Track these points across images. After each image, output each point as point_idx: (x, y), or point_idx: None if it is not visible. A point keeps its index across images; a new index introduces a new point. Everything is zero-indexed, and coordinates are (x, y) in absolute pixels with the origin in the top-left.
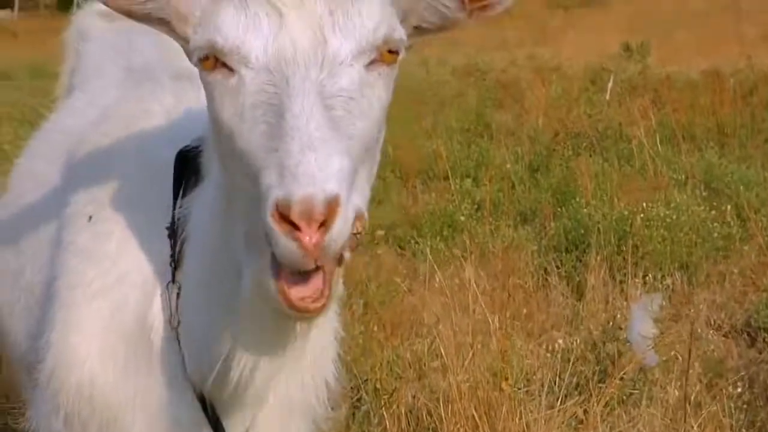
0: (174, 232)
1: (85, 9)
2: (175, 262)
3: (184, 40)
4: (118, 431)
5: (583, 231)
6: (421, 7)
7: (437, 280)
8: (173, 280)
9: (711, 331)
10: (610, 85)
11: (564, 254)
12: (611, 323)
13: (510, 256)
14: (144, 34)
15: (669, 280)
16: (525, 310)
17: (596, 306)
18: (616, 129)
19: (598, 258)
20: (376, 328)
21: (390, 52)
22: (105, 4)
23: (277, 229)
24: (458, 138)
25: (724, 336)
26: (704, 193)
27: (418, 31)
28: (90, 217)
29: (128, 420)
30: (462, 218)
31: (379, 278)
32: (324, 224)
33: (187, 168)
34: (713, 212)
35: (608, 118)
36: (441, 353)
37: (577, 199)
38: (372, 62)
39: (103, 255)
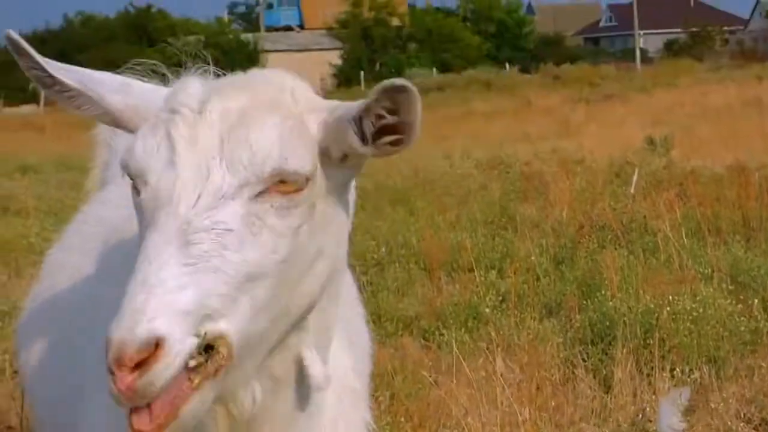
0: None
1: None
2: None
3: None
4: None
5: (608, 324)
6: (337, 137)
7: (463, 372)
8: None
9: (741, 424)
10: (635, 178)
11: (590, 347)
12: (640, 416)
13: (536, 349)
14: None
15: (697, 374)
16: (553, 403)
17: (624, 399)
18: (641, 222)
19: (625, 351)
20: (403, 419)
21: (285, 182)
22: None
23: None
24: (482, 230)
25: (754, 429)
26: (730, 287)
27: (344, 159)
28: None
29: None
30: (487, 310)
31: (405, 370)
32: (142, 366)
33: None
34: (740, 306)
35: (633, 211)
36: None
37: (603, 292)
38: (260, 194)
39: None
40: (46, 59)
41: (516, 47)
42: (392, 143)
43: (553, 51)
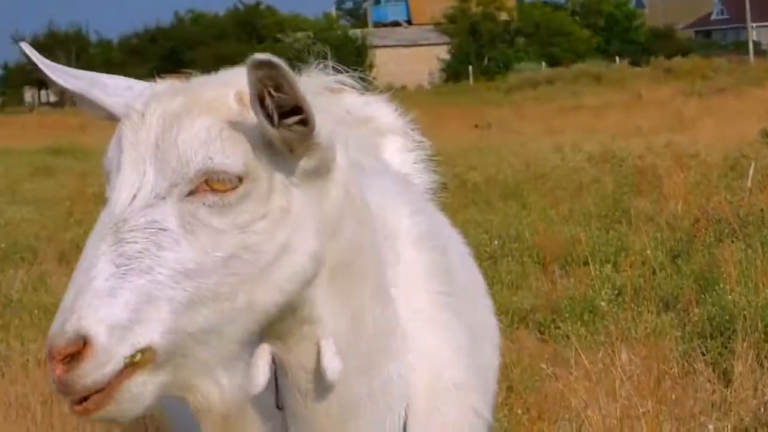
0: None
1: None
2: None
3: None
4: None
5: (728, 317)
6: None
7: (581, 364)
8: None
9: None
10: (751, 171)
11: (709, 341)
12: (762, 409)
13: (653, 342)
14: None
15: None
16: (673, 396)
17: (745, 392)
18: (758, 215)
19: (745, 344)
20: (520, 412)
21: (217, 181)
22: None
23: None
24: (596, 224)
25: None
26: None
27: (292, 147)
28: None
29: None
30: (603, 304)
31: (521, 363)
32: (71, 361)
33: None
34: None
35: (750, 205)
36: None
37: (721, 286)
38: (191, 193)
39: None
40: (50, 63)
41: (626, 40)
42: (301, 122)
43: (664, 44)
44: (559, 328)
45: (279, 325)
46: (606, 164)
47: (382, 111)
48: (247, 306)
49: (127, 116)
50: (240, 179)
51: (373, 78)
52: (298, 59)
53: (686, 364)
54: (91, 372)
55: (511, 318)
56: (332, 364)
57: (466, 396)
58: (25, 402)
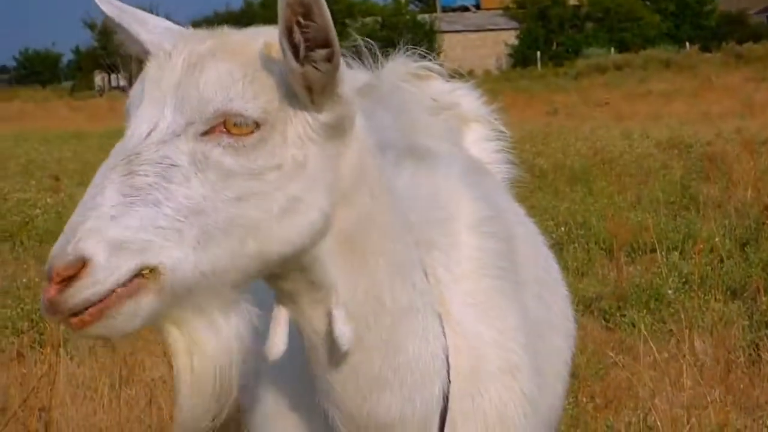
0: None
1: None
2: None
3: None
4: None
5: None
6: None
7: (647, 353)
8: None
9: None
10: None
11: None
12: None
13: (720, 331)
14: (383, 110)
15: None
16: (741, 385)
17: None
18: None
19: None
20: (585, 400)
21: (233, 124)
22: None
23: None
24: (664, 210)
25: None
26: None
27: (308, 90)
28: None
29: None
30: (670, 291)
31: (586, 351)
32: (67, 282)
33: None
34: None
35: None
36: (658, 426)
37: None
38: (207, 132)
39: None
40: None
41: (696, 25)
42: (327, 59)
43: (736, 29)
44: (624, 315)
45: (291, 284)
46: (674, 150)
47: (466, 98)
48: (255, 252)
49: (154, 55)
50: (257, 125)
51: (441, 63)
52: (366, 44)
53: (753, 354)
54: (84, 290)
55: (576, 305)
56: (343, 332)
57: (514, 380)
58: (93, 384)
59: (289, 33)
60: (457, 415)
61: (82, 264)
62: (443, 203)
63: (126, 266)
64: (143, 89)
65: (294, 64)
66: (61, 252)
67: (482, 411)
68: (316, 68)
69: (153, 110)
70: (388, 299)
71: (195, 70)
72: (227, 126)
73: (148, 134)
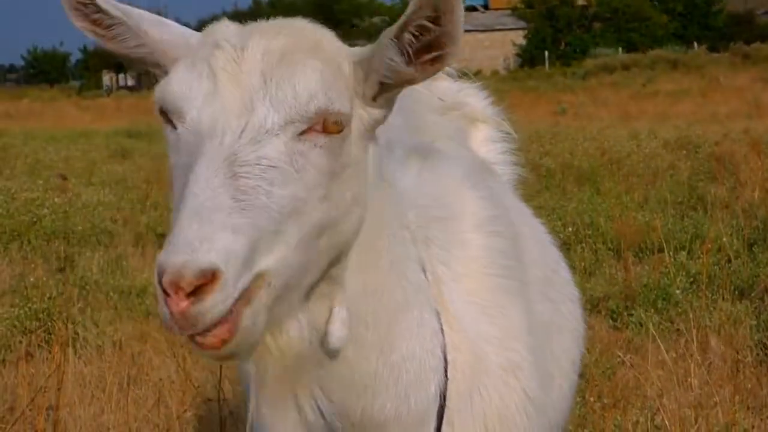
0: None
1: None
2: None
3: None
4: None
5: None
6: (377, 63)
7: (654, 352)
8: None
9: None
10: None
11: None
12: None
13: (727, 331)
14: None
15: None
16: (749, 385)
17: None
18: None
19: None
20: (593, 399)
21: (334, 123)
22: (103, 47)
23: (156, 291)
24: (671, 210)
25: None
26: None
27: (383, 87)
28: None
29: None
30: (677, 291)
31: (594, 350)
32: (196, 294)
33: None
34: None
35: None
36: (665, 426)
37: None
38: (305, 132)
39: None
40: None
41: (704, 26)
42: (433, 61)
43: (743, 29)
44: (632, 315)
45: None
46: (682, 150)
47: (474, 98)
48: (331, 249)
49: (218, 48)
50: (347, 122)
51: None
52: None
53: (761, 353)
54: (219, 304)
55: (584, 305)
56: (337, 331)
57: (516, 379)
58: (101, 384)
59: (401, 39)
60: (456, 414)
61: (212, 276)
62: (448, 202)
63: (247, 276)
64: (216, 83)
65: (405, 67)
66: (189, 261)
67: (482, 410)
68: (419, 68)
69: (239, 106)
70: (385, 294)
71: (283, 67)
72: (325, 125)
73: (241, 132)
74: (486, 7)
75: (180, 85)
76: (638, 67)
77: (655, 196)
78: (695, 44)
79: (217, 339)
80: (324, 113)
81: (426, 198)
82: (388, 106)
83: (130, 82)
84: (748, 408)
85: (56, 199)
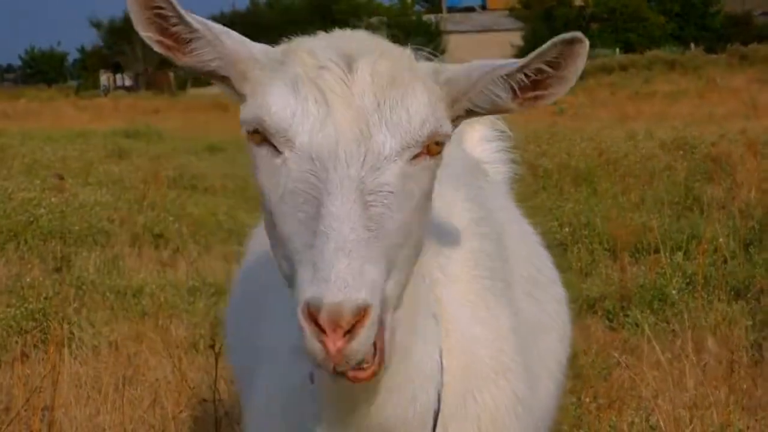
0: None
1: None
2: None
3: (242, 98)
4: None
5: None
6: (474, 94)
7: (652, 353)
8: None
9: None
10: None
11: None
12: None
13: (723, 331)
14: None
15: None
16: (744, 386)
17: None
18: None
19: None
20: (588, 400)
21: (436, 144)
22: (173, 62)
23: (306, 327)
24: (668, 211)
25: None
26: None
27: (468, 113)
28: None
29: None
30: (674, 292)
31: (590, 351)
32: (350, 332)
33: None
34: None
35: None
36: (660, 426)
37: None
38: (416, 156)
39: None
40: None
41: (702, 26)
42: (537, 98)
43: (741, 30)
44: (628, 316)
45: None
46: (678, 151)
47: None
48: (414, 265)
49: (325, 69)
50: (447, 143)
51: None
52: None
53: (756, 354)
54: (369, 337)
55: (580, 305)
56: None
57: (506, 381)
58: (97, 384)
59: (516, 73)
60: (449, 416)
61: (364, 313)
62: (438, 205)
63: (379, 305)
64: (328, 106)
65: (510, 102)
66: (349, 300)
67: (475, 413)
68: (521, 104)
69: (355, 132)
70: (412, 300)
71: (395, 90)
72: (430, 147)
73: (363, 159)
74: (484, 7)
75: (284, 108)
76: (636, 67)
77: (651, 196)
78: (692, 45)
79: (370, 372)
80: (434, 136)
81: None
82: (457, 124)
83: (128, 82)
84: (743, 408)
85: (53, 199)
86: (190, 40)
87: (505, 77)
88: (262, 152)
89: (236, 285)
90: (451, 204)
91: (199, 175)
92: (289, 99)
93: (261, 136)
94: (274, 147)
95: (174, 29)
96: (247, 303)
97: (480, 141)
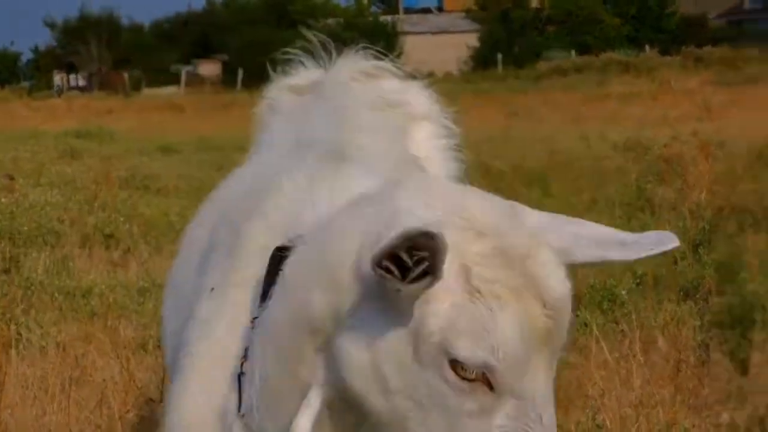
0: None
1: (277, 83)
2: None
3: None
4: None
5: (748, 308)
6: None
7: (597, 353)
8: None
9: None
10: None
11: (728, 330)
12: None
13: (671, 331)
14: (323, 106)
15: None
16: (690, 385)
17: (763, 381)
18: None
19: (764, 335)
20: None
21: None
22: None
23: None
24: (619, 212)
25: None
26: None
27: None
28: (212, 289)
29: None
30: (623, 292)
31: None
32: None
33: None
34: None
35: None
36: (606, 425)
37: (742, 275)
38: None
39: (211, 332)
40: None
41: (657, 29)
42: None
43: (695, 33)
44: (578, 316)
45: None
46: (631, 153)
47: (416, 97)
48: None
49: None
50: None
51: (402, 65)
52: (323, 43)
53: (704, 354)
54: None
55: None
56: None
57: None
58: (44, 385)
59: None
60: None
61: None
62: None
63: None
64: (539, 352)
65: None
66: None
67: None
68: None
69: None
70: None
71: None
72: None
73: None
74: (440, 9)
75: (519, 355)
76: (590, 69)
77: (603, 197)
78: (647, 47)
79: None
80: None
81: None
82: None
83: (81, 83)
84: (690, 407)
85: (2, 200)
86: None
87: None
88: (463, 386)
89: (167, 284)
90: None
91: (152, 176)
92: (524, 346)
93: (477, 375)
94: (489, 386)
95: None
96: (177, 304)
97: (426, 138)
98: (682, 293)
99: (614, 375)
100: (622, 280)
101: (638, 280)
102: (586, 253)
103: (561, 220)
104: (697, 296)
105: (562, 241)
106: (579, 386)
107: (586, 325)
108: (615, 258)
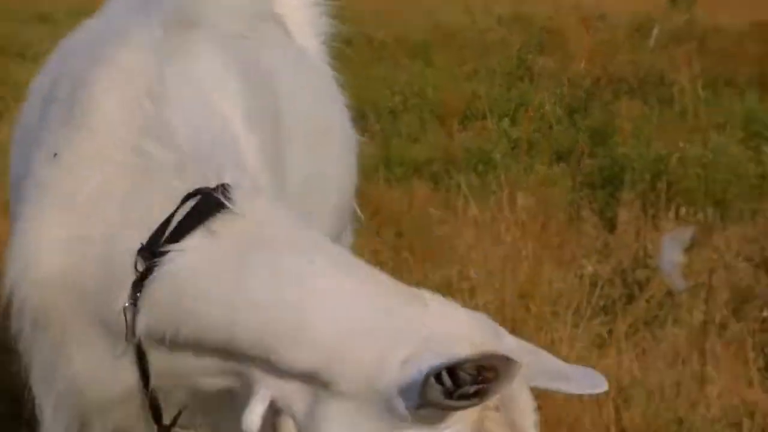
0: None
1: None
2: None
3: None
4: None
5: (618, 169)
6: None
7: (470, 213)
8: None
9: (743, 263)
10: (654, 32)
11: (598, 191)
12: (642, 252)
13: (543, 192)
14: None
15: (701, 215)
16: (558, 240)
17: (628, 238)
18: (657, 75)
19: (632, 194)
20: (407, 254)
21: None
22: None
23: None
24: (499, 81)
25: (756, 266)
26: (742, 135)
27: None
28: (55, 155)
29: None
30: (498, 156)
31: (413, 210)
32: None
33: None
34: (750, 153)
35: (650, 65)
36: (471, 277)
37: (614, 139)
38: None
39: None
40: None
41: None
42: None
43: None
44: (452, 178)
45: None
46: (515, 25)
47: None
48: None
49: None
50: None
51: None
52: None
53: (573, 213)
54: None
55: (406, 169)
56: None
57: None
58: None
59: None
60: None
61: None
62: (215, 111)
63: None
64: None
65: None
66: None
67: None
68: None
69: None
70: None
71: None
72: None
73: None
74: None
75: None
76: None
77: (485, 67)
78: None
79: None
80: None
81: (194, 115)
82: None
83: None
84: (556, 261)
85: None
86: None
87: None
88: None
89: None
90: (225, 101)
91: (27, 43)
92: None
93: None
94: None
95: None
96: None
97: (298, 5)
98: (555, 156)
99: (484, 233)
100: (498, 144)
101: (513, 145)
102: (542, 383)
103: (523, 347)
104: (570, 159)
105: (528, 369)
106: (449, 243)
107: (460, 187)
108: (563, 390)
